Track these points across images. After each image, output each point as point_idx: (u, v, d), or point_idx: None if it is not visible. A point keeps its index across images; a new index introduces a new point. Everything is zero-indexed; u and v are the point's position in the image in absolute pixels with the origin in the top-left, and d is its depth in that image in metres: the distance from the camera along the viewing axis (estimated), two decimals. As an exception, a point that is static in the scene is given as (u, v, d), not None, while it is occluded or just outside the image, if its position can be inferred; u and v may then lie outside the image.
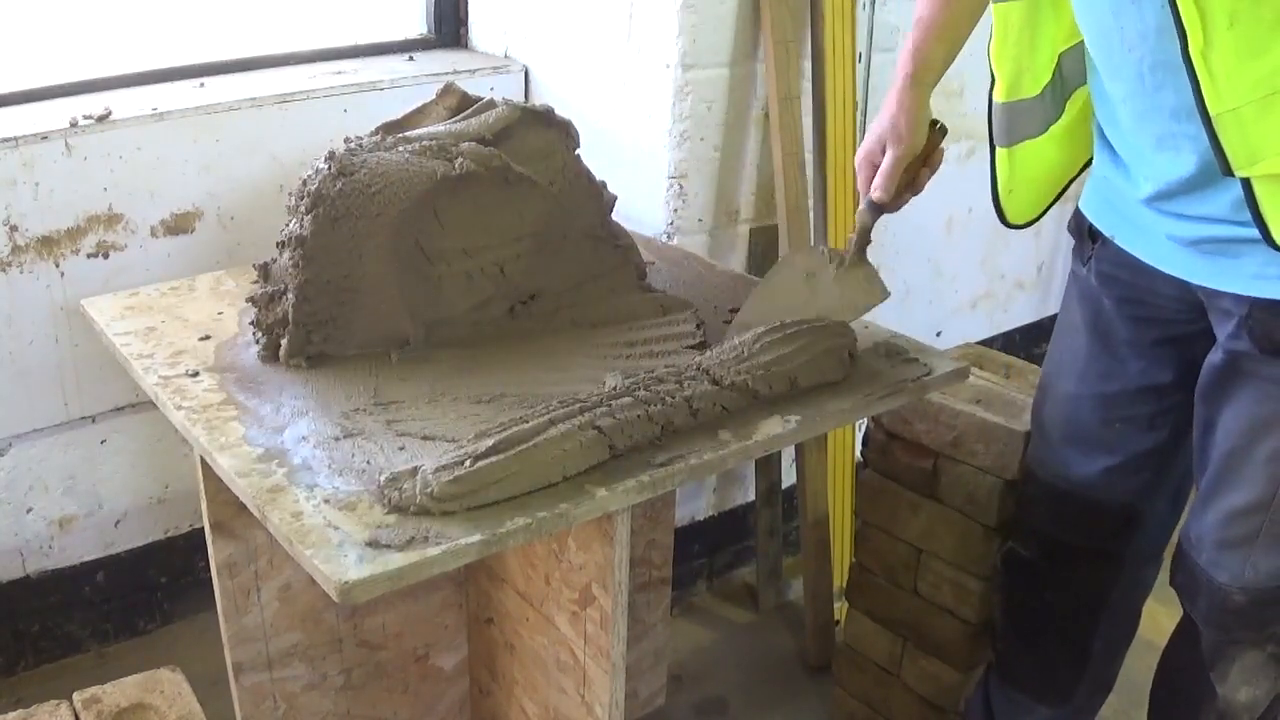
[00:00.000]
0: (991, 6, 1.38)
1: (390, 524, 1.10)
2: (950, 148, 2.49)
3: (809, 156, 2.11)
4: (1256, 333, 1.26)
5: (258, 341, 1.44)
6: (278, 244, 1.47)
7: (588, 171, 1.59)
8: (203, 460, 1.31)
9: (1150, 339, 1.44)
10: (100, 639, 2.13)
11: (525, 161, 1.51)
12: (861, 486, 1.94)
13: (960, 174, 2.39)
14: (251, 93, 1.99)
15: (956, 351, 1.99)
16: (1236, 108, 1.09)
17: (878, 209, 1.49)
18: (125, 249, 1.91)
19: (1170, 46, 1.13)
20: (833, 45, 2.07)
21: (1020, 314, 2.96)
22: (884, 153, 1.45)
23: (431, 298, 1.47)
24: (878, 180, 1.45)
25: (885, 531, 1.89)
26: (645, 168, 2.04)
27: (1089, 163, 1.49)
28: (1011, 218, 1.52)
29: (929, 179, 1.49)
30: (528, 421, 1.20)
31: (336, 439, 1.24)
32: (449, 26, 2.35)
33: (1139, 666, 1.75)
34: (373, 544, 1.06)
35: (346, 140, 1.49)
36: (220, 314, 1.55)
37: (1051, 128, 1.44)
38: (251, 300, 1.48)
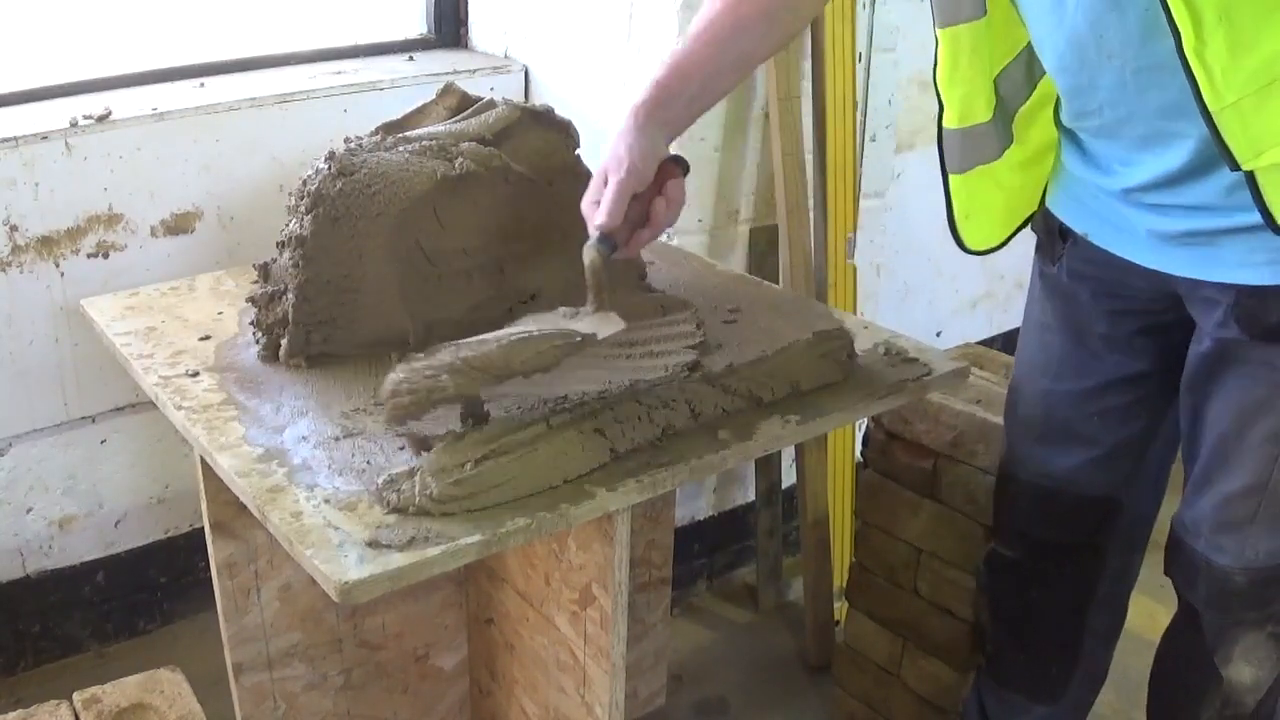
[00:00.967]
0: (937, 33, 1.35)
1: (390, 524, 1.10)
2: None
3: (809, 156, 2.11)
4: (1244, 319, 1.26)
5: (258, 341, 1.44)
6: (278, 244, 1.47)
7: (588, 172, 1.59)
8: (203, 460, 1.31)
9: (1127, 331, 1.44)
10: (100, 639, 2.13)
11: (525, 161, 1.51)
12: (861, 486, 1.94)
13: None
14: (251, 93, 1.99)
15: (956, 351, 1.99)
16: (1236, 102, 1.09)
17: (608, 244, 1.30)
18: (125, 249, 1.91)
19: (1156, 48, 1.13)
20: (833, 45, 2.07)
21: (1020, 314, 2.95)
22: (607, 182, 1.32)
23: (431, 298, 1.47)
24: (601, 205, 1.30)
25: (885, 531, 1.89)
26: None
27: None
28: (970, 244, 1.47)
29: (668, 217, 1.35)
30: (527, 423, 1.20)
31: (336, 439, 1.24)
32: (449, 26, 2.35)
33: (1137, 664, 1.75)
34: (373, 544, 1.07)
35: (346, 140, 1.49)
36: (220, 314, 1.55)
37: (1008, 153, 1.42)
38: (251, 300, 1.48)
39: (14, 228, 1.81)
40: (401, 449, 1.22)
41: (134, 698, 1.32)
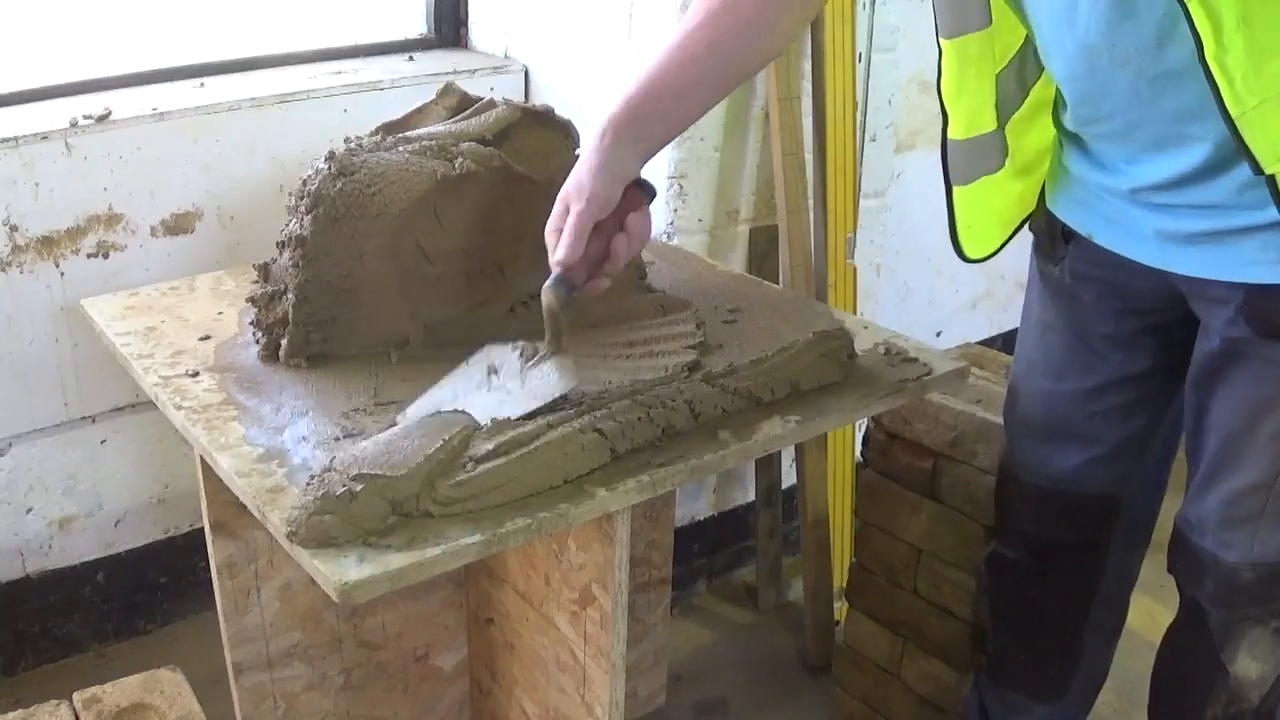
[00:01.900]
0: (942, 43, 1.32)
1: (390, 524, 1.10)
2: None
3: (809, 156, 2.11)
4: (1254, 317, 1.26)
5: (258, 341, 1.44)
6: (278, 244, 1.47)
7: (588, 171, 1.59)
8: (203, 460, 1.31)
9: (1131, 330, 1.44)
10: (100, 639, 2.13)
11: (525, 161, 1.51)
12: (861, 486, 1.94)
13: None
14: (251, 93, 1.99)
15: (956, 351, 1.99)
16: (1258, 105, 1.09)
17: (565, 283, 1.25)
18: (125, 249, 1.91)
19: (1172, 55, 1.13)
20: (833, 45, 2.07)
21: (1020, 314, 2.96)
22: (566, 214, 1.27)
23: (431, 298, 1.47)
24: (560, 240, 1.24)
25: (885, 531, 1.89)
26: (645, 168, 2.04)
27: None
28: (970, 253, 1.46)
29: (631, 250, 1.29)
30: (526, 424, 1.20)
31: (336, 439, 1.24)
32: (449, 26, 2.35)
33: (1137, 665, 1.75)
34: (373, 544, 1.07)
35: (346, 140, 1.49)
36: (220, 314, 1.55)
37: (1008, 161, 1.41)
38: (251, 300, 1.48)
39: (14, 228, 1.81)
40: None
41: (134, 698, 1.32)
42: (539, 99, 2.19)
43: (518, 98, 2.21)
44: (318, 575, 1.04)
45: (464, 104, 1.62)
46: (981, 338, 2.80)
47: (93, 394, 1.97)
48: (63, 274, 1.87)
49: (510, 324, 1.52)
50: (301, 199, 1.41)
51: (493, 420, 1.17)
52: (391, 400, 1.33)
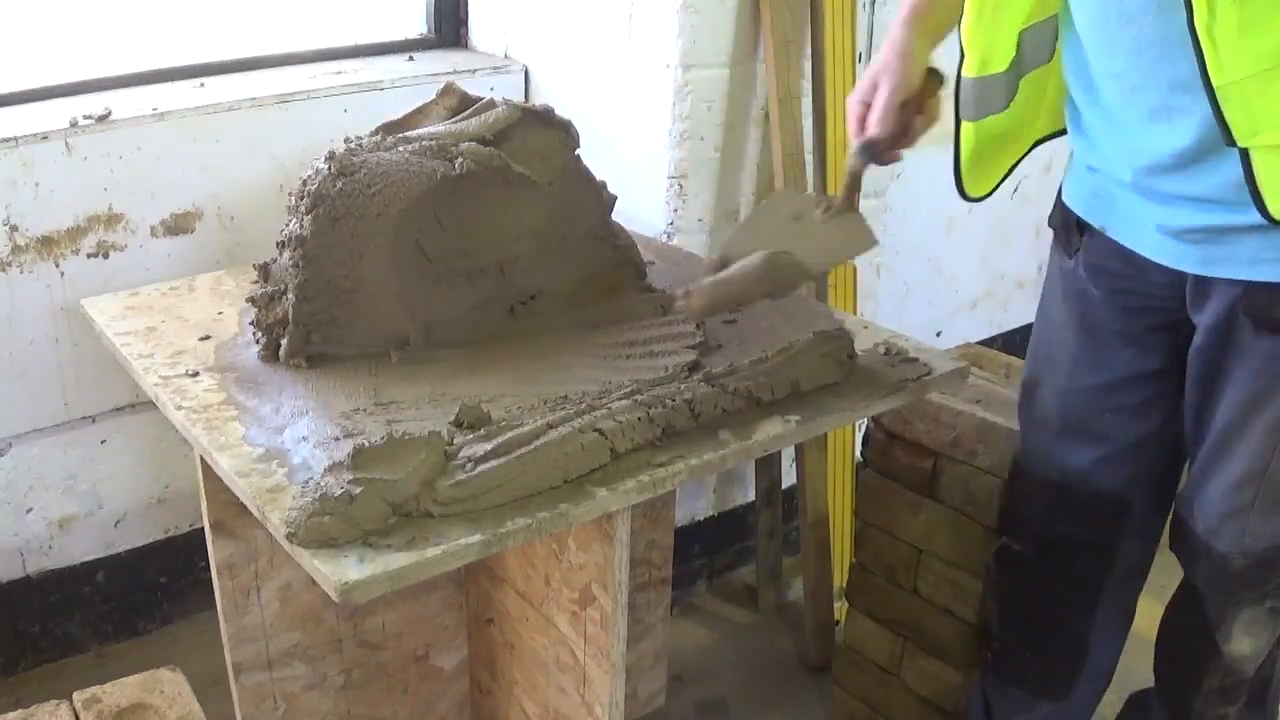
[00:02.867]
0: None
1: (390, 524, 1.10)
2: (951, 147, 2.50)
3: (809, 157, 2.11)
4: (1252, 313, 1.28)
5: (258, 341, 1.44)
6: (278, 244, 1.47)
7: (588, 171, 1.59)
8: (203, 460, 1.31)
9: (1140, 327, 1.46)
10: (100, 639, 2.13)
11: (525, 161, 1.51)
12: (861, 486, 1.94)
13: (960, 174, 2.40)
14: (251, 93, 1.99)
15: (956, 351, 1.99)
16: (1239, 80, 1.11)
17: (869, 153, 1.41)
18: (125, 249, 1.91)
19: (1172, 20, 1.15)
20: (833, 45, 2.07)
21: (1020, 314, 2.96)
22: (875, 92, 1.40)
23: (431, 298, 1.47)
24: (872, 116, 1.39)
25: (885, 531, 1.89)
26: (645, 168, 2.04)
27: (1039, 141, 1.52)
28: (970, 190, 1.50)
29: (924, 129, 1.42)
30: (527, 424, 1.20)
31: (336, 439, 1.24)
32: (449, 26, 2.35)
33: (1138, 665, 1.75)
34: (373, 544, 1.07)
35: (346, 140, 1.49)
36: (220, 314, 1.55)
37: (1011, 105, 1.45)
38: (251, 300, 1.48)
39: (14, 228, 1.81)
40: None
41: (134, 698, 1.32)
42: (539, 99, 2.19)
43: (518, 98, 2.21)
44: (318, 575, 1.04)
45: (464, 104, 1.62)
46: (981, 338, 2.80)
47: (93, 394, 1.97)
48: (63, 274, 1.87)
49: (510, 324, 1.52)
50: (301, 199, 1.41)
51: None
52: (391, 400, 1.33)
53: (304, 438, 1.24)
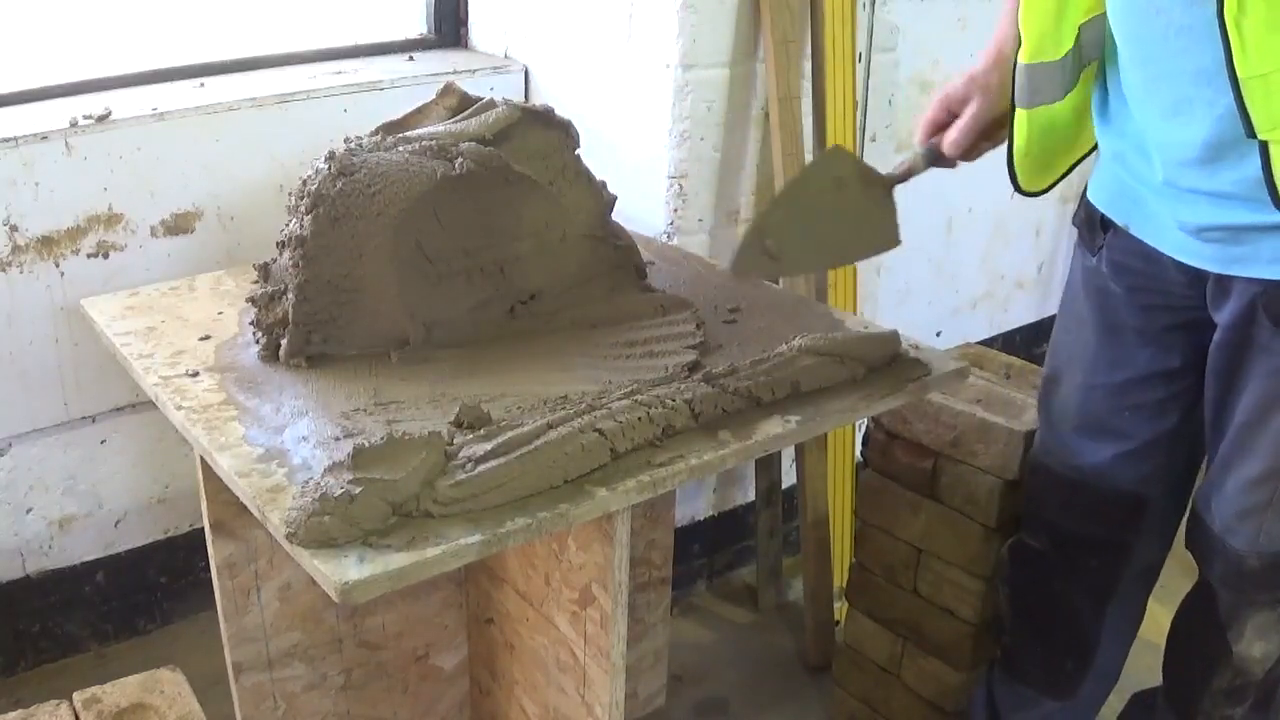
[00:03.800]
0: None
1: (390, 524, 1.10)
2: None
3: (809, 157, 2.11)
4: (1272, 311, 1.29)
5: (258, 341, 1.44)
6: (278, 244, 1.47)
7: (588, 171, 1.59)
8: (203, 460, 1.31)
9: (1160, 325, 1.46)
10: (100, 639, 2.13)
11: (525, 161, 1.51)
12: (861, 486, 1.94)
13: (961, 173, 2.39)
14: (251, 93, 1.99)
15: (956, 351, 1.99)
16: (1264, 74, 1.12)
17: (935, 157, 1.45)
18: (125, 249, 1.91)
19: (1200, 11, 1.16)
20: (833, 45, 2.07)
21: (1020, 314, 2.96)
22: (964, 104, 1.42)
23: (431, 298, 1.47)
24: (955, 134, 1.42)
25: (885, 531, 1.89)
26: (645, 168, 2.04)
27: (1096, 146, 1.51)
28: (1024, 184, 1.49)
29: (986, 151, 1.46)
30: (527, 424, 1.20)
31: (336, 439, 1.24)
32: (449, 26, 2.35)
33: (1140, 667, 1.75)
34: (373, 544, 1.07)
35: (346, 140, 1.49)
36: (220, 314, 1.55)
37: (1069, 95, 1.43)
38: (251, 300, 1.48)
39: (14, 228, 1.81)
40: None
41: (134, 698, 1.32)
42: (539, 99, 2.19)
43: (518, 98, 2.21)
44: (318, 575, 1.04)
45: (464, 104, 1.62)
46: (981, 338, 2.80)
47: (93, 394, 1.97)
48: (63, 274, 1.87)
49: (510, 324, 1.52)
50: (301, 199, 1.41)
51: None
52: (391, 400, 1.33)
53: (304, 438, 1.25)
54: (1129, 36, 1.29)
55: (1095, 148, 1.51)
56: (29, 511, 1.99)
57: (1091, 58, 1.42)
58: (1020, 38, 1.39)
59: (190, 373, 1.39)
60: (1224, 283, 1.33)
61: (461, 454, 1.16)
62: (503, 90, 2.16)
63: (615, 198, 1.63)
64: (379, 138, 1.51)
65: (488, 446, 1.16)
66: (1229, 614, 1.46)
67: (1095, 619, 1.63)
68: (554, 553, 1.43)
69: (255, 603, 1.49)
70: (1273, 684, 1.52)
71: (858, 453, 2.29)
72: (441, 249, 1.47)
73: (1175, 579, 1.56)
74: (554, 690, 1.52)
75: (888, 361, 1.43)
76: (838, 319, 1.58)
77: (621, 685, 1.39)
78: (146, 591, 2.16)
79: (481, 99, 1.60)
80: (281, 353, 1.41)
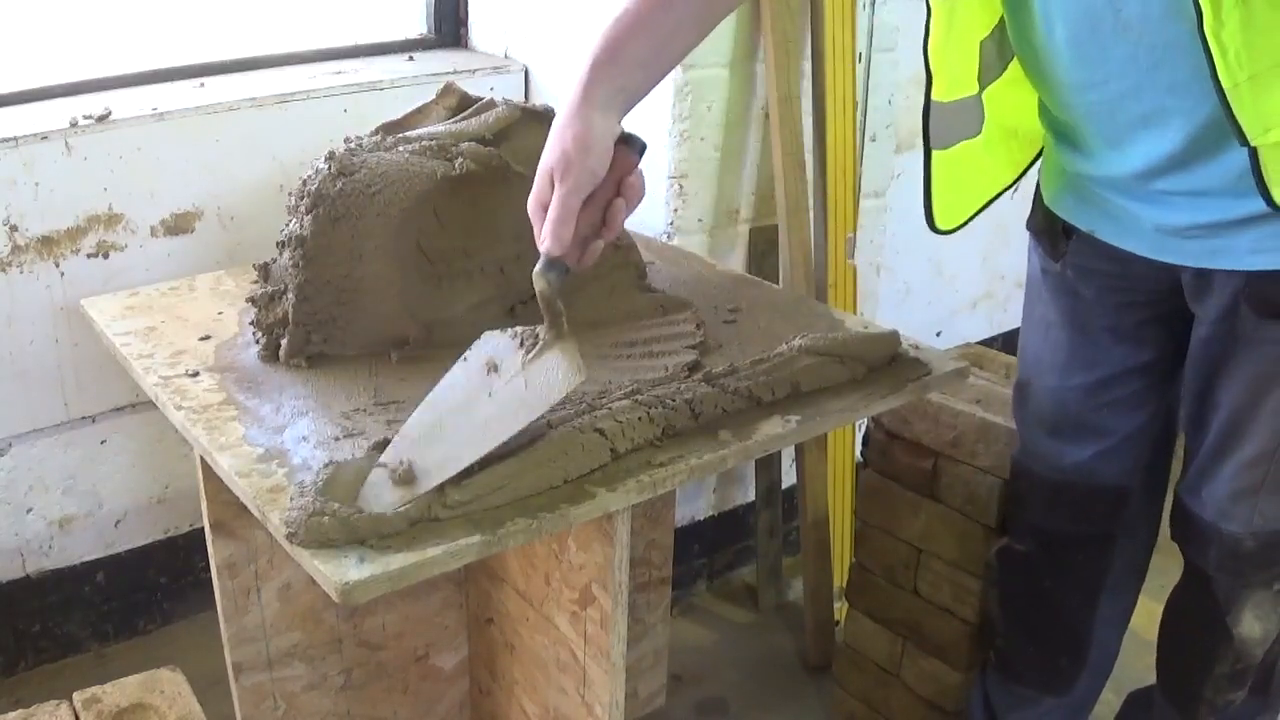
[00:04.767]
0: (930, 3, 1.32)
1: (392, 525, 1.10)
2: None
3: (809, 156, 2.11)
4: (1255, 301, 1.29)
5: (258, 341, 1.44)
6: (278, 244, 1.47)
7: (588, 171, 1.59)
8: (203, 460, 1.31)
9: (1133, 322, 1.47)
10: (100, 639, 2.13)
11: (525, 161, 1.51)
12: (861, 486, 1.94)
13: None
14: (251, 93, 1.99)
15: (956, 351, 1.99)
16: (1249, 79, 1.12)
17: (559, 269, 1.15)
18: (125, 249, 1.91)
19: (1173, 28, 1.16)
20: (833, 45, 2.07)
21: (1020, 314, 2.95)
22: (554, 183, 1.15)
23: (431, 298, 1.47)
24: (546, 228, 1.14)
25: (885, 531, 1.89)
26: (645, 168, 2.04)
27: (1028, 168, 1.50)
28: (940, 223, 1.47)
29: (629, 212, 1.20)
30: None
31: (336, 439, 1.24)
32: (449, 26, 2.35)
33: (1137, 665, 1.75)
34: (373, 544, 1.06)
35: (346, 140, 1.49)
36: (220, 314, 1.55)
37: (984, 129, 1.42)
38: (251, 300, 1.48)
39: (14, 228, 1.81)
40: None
41: (134, 698, 1.32)
42: (539, 99, 2.19)
43: (518, 98, 2.21)
44: (318, 575, 1.04)
45: (464, 104, 1.62)
46: (981, 338, 2.80)
47: (93, 394, 1.97)
48: (63, 274, 1.87)
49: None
50: (301, 199, 1.41)
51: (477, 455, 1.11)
52: (391, 400, 1.33)
53: (304, 438, 1.25)
54: (1084, 60, 1.26)
55: (1023, 175, 1.50)
56: (29, 511, 1.99)
57: (991, 78, 1.39)
58: (929, 74, 1.33)
59: (190, 373, 1.39)
60: (1203, 276, 1.33)
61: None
62: (503, 90, 2.16)
63: (615, 198, 1.63)
64: (379, 138, 1.51)
65: (489, 447, 1.15)
66: (1227, 599, 1.46)
67: (1087, 614, 1.63)
68: (554, 553, 1.42)
69: (255, 603, 1.49)
70: (1271, 665, 1.53)
71: (858, 453, 2.29)
72: (441, 249, 1.47)
73: (1170, 579, 1.56)
74: (554, 690, 1.52)
75: (888, 361, 1.43)
76: (838, 319, 1.58)
77: (621, 685, 1.39)
78: (146, 591, 2.16)
79: (481, 99, 1.60)
80: (281, 353, 1.41)
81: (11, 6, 1.97)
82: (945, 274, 2.70)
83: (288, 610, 1.53)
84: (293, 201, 1.44)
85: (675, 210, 2.05)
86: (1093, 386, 1.51)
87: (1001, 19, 1.36)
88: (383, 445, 1.19)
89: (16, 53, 1.97)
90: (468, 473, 1.11)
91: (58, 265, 1.86)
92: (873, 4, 2.18)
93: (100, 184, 1.86)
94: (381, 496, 1.11)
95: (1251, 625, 1.47)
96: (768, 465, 2.31)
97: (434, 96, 1.66)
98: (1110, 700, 1.76)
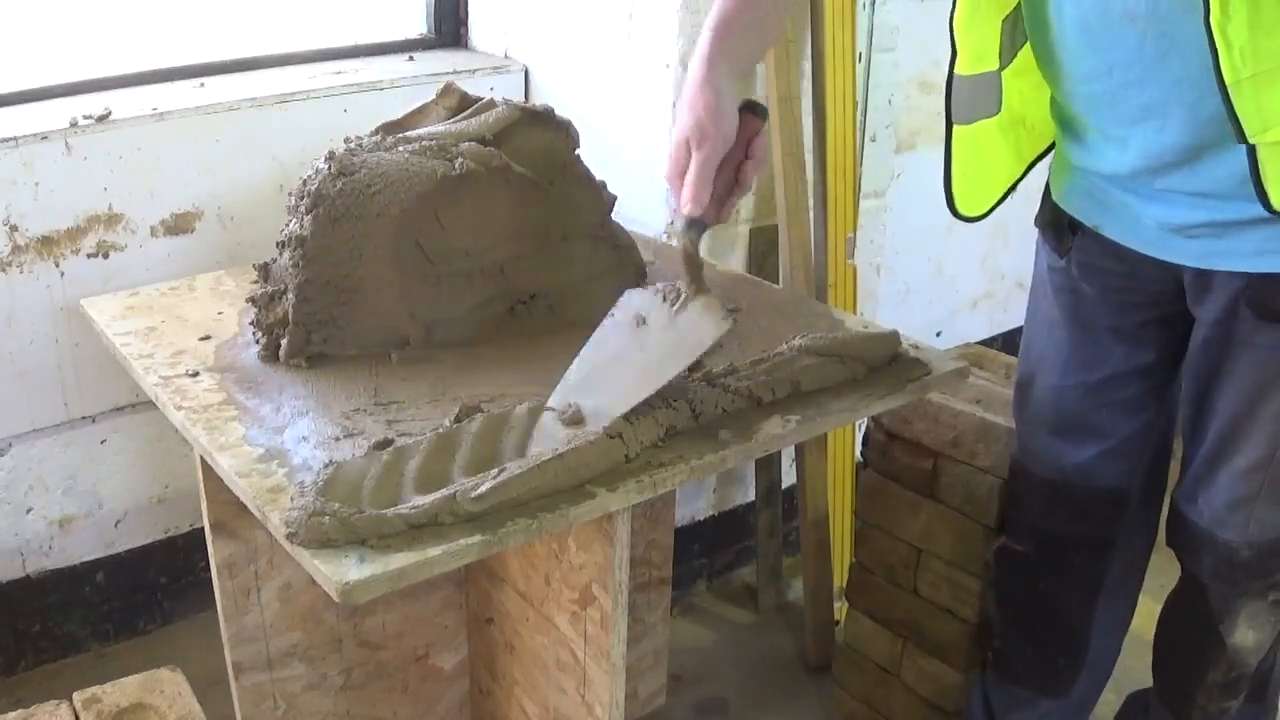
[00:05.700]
0: None
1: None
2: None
3: (809, 156, 2.11)
4: (1255, 303, 1.29)
5: (258, 341, 1.44)
6: (278, 244, 1.47)
7: (588, 171, 1.59)
8: (203, 460, 1.31)
9: (1135, 322, 1.46)
10: (100, 639, 2.13)
11: (525, 161, 1.51)
12: (861, 486, 1.94)
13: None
14: (251, 93, 1.99)
15: (956, 351, 1.99)
16: (1252, 76, 1.12)
17: (699, 225, 1.26)
18: (125, 249, 1.91)
19: (1180, 19, 1.16)
20: (833, 45, 2.07)
21: (1020, 314, 2.92)
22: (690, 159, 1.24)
23: (431, 298, 1.47)
24: (686, 191, 1.24)
25: (885, 531, 1.89)
26: (645, 168, 2.04)
27: (1035, 161, 1.50)
28: (962, 208, 1.47)
29: (756, 173, 1.29)
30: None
31: (336, 439, 1.24)
32: (449, 26, 2.35)
33: (1137, 665, 1.75)
34: (373, 544, 1.06)
35: (346, 140, 1.49)
36: (220, 314, 1.55)
37: (1002, 109, 1.43)
38: (251, 300, 1.48)
39: (14, 228, 1.81)
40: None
41: (134, 698, 1.32)
42: (539, 99, 2.19)
43: (518, 98, 2.21)
44: (318, 575, 1.04)
45: (464, 104, 1.62)
46: (981, 338, 2.80)
47: (93, 394, 1.97)
48: (63, 274, 1.87)
49: (510, 324, 1.52)
50: (301, 199, 1.41)
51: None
52: (391, 400, 1.33)
53: (304, 438, 1.25)
54: (1093, 47, 1.27)
55: (1035, 163, 1.50)
56: (29, 511, 1.99)
57: (1010, 59, 1.40)
58: (954, 47, 1.35)
59: (190, 373, 1.39)
60: (1204, 277, 1.33)
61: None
62: (503, 90, 2.16)
63: (615, 198, 1.63)
64: (379, 138, 1.51)
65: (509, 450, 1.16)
66: (1221, 607, 1.46)
67: (1084, 616, 1.63)
68: (554, 553, 1.42)
69: (255, 603, 1.49)
70: (1265, 674, 1.53)
71: (858, 453, 2.29)
72: (441, 249, 1.47)
73: (1172, 579, 1.56)
74: (554, 690, 1.52)
75: (888, 361, 1.42)
76: (838, 319, 1.58)
77: (621, 685, 1.39)
78: (146, 591, 2.16)
79: (481, 99, 1.61)
80: (281, 353, 1.41)
81: (11, 6, 1.97)
82: (945, 274, 2.70)
83: (288, 610, 1.53)
84: (293, 201, 1.44)
85: (675, 210, 2.05)
86: (1093, 386, 1.51)
87: (1011, 11, 1.36)
88: (383, 445, 1.19)
89: (16, 53, 1.97)
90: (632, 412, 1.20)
91: (58, 265, 1.86)
92: (873, 4, 2.18)
93: (100, 184, 1.86)
94: (555, 435, 1.21)
95: (1245, 634, 1.47)
96: (768, 465, 2.31)
97: (434, 96, 1.66)
98: (1111, 701, 1.76)
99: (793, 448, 2.26)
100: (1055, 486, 1.57)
